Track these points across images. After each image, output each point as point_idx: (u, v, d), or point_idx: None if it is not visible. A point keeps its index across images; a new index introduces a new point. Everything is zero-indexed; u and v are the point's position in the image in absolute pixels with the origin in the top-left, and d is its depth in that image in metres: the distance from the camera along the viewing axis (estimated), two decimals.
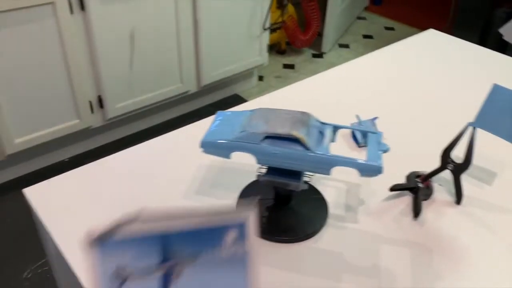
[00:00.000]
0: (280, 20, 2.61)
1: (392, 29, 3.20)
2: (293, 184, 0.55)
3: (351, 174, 0.69)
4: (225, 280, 0.37)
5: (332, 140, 0.57)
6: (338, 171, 0.70)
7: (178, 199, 0.65)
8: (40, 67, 1.71)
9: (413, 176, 0.66)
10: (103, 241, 0.34)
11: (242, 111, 0.60)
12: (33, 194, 0.65)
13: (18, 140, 1.77)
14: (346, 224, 0.62)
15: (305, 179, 0.56)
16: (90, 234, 0.34)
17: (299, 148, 0.52)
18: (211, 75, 2.21)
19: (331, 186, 0.67)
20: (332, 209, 0.64)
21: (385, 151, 0.53)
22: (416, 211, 0.62)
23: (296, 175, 0.56)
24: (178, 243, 0.35)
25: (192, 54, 2.12)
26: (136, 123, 2.18)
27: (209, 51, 2.15)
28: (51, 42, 1.68)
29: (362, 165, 0.51)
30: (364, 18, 3.37)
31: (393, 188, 0.65)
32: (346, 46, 2.94)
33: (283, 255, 0.57)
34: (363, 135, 0.73)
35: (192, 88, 2.17)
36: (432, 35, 1.19)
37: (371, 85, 0.96)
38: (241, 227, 0.35)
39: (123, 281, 0.35)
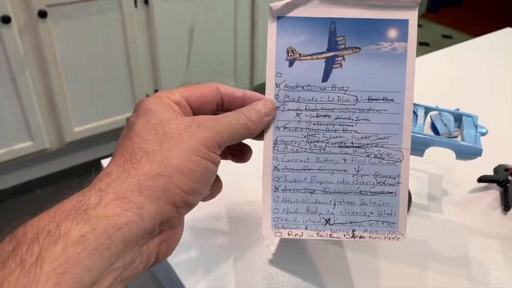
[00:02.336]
0: None
1: (450, 37, 3.12)
2: None
3: (432, 164, 0.67)
4: (383, 75, 0.38)
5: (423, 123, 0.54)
6: (418, 161, 0.67)
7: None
8: (102, 58, 1.75)
9: (502, 169, 0.63)
10: (283, 13, 0.39)
11: None
12: None
13: (77, 129, 1.82)
14: (429, 213, 0.59)
15: None
16: (274, 6, 0.39)
17: None
18: (264, 76, 2.22)
19: (412, 175, 0.64)
20: (414, 198, 0.61)
21: (483, 133, 0.50)
22: (507, 205, 0.58)
23: None
24: (343, 32, 0.39)
25: (247, 53, 2.13)
26: None
27: (264, 51, 2.15)
28: (114, 35, 1.72)
29: (461, 146, 0.48)
30: (420, 25, 3.30)
31: (481, 179, 0.61)
32: None
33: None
34: (444, 125, 0.70)
35: (245, 86, 2.18)
36: (509, 33, 1.14)
37: (448, 78, 0.92)
38: (403, 25, 0.38)
39: (293, 59, 0.40)
